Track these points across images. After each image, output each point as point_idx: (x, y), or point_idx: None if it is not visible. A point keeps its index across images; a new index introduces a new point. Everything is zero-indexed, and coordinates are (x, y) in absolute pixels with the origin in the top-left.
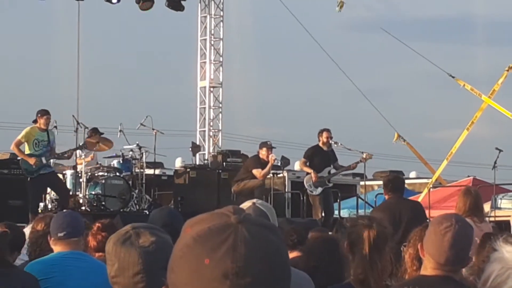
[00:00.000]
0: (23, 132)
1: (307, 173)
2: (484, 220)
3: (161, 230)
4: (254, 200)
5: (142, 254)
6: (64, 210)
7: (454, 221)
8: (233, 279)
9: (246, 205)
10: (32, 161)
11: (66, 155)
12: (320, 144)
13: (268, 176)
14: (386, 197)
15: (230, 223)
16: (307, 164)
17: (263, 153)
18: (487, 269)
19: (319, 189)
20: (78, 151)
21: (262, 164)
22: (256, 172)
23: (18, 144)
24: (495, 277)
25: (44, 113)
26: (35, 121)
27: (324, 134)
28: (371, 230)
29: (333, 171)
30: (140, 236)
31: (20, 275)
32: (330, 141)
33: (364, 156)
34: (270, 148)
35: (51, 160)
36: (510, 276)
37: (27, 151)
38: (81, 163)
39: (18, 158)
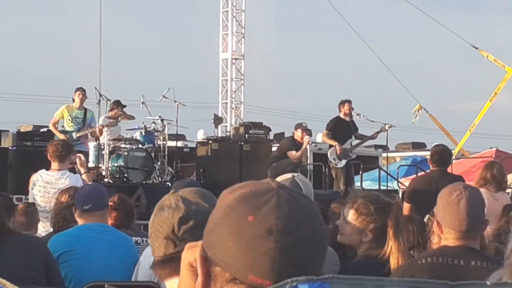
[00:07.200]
0: (58, 110)
1: (330, 146)
2: (500, 190)
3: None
4: (295, 174)
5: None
6: (90, 183)
7: (462, 188)
8: (277, 236)
9: (286, 176)
10: (62, 137)
11: (96, 133)
12: (342, 116)
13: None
14: (430, 168)
15: (271, 187)
16: (330, 136)
17: (298, 134)
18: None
19: (343, 161)
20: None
21: (296, 145)
22: (291, 154)
23: (54, 122)
24: None
25: (76, 89)
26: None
27: (346, 105)
28: (394, 207)
29: (354, 142)
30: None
31: (22, 239)
32: (352, 112)
33: (385, 125)
34: (305, 129)
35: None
36: None
37: (67, 128)
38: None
39: (41, 130)
